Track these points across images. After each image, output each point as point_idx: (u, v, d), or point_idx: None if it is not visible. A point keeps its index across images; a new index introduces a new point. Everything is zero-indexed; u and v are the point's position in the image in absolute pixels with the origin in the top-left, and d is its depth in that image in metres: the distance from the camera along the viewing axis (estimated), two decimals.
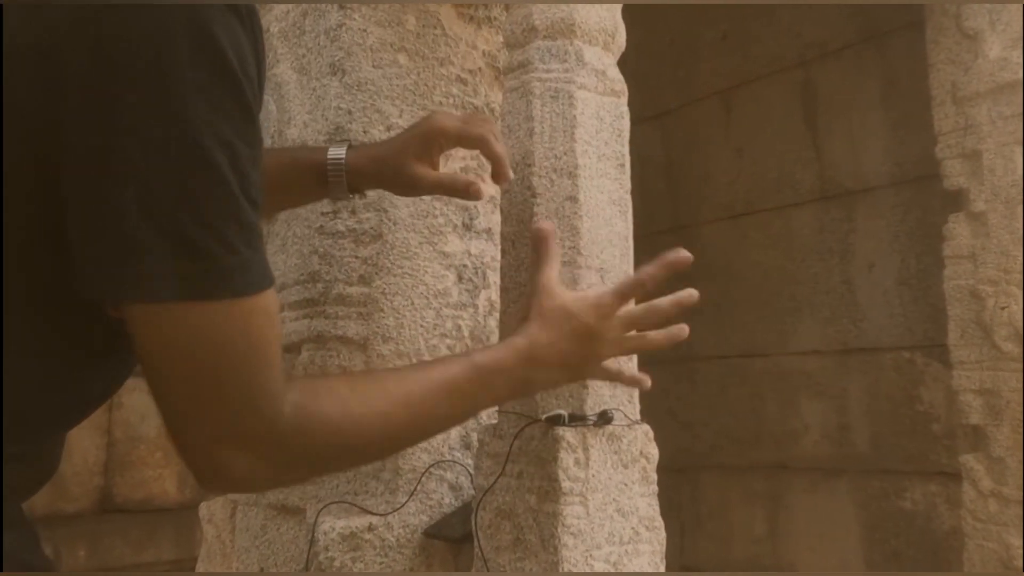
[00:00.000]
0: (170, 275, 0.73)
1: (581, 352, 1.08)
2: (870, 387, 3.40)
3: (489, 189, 1.46)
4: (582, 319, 1.08)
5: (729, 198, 3.95)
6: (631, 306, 1.13)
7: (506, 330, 1.19)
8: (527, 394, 1.15)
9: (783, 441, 3.65)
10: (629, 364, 1.23)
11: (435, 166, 1.20)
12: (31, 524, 0.85)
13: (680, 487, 3.86)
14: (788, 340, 3.68)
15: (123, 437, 3.51)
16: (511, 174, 1.17)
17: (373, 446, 0.94)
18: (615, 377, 1.17)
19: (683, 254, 1.14)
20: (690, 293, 1.15)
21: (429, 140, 1.19)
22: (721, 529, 3.81)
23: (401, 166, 1.19)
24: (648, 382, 1.18)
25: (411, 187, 1.22)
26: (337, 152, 1.21)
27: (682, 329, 1.15)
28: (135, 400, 3.49)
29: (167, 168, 0.72)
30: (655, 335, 1.14)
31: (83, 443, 3.37)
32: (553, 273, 1.10)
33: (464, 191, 1.20)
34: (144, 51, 0.71)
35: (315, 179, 1.22)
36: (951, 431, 2.98)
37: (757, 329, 3.79)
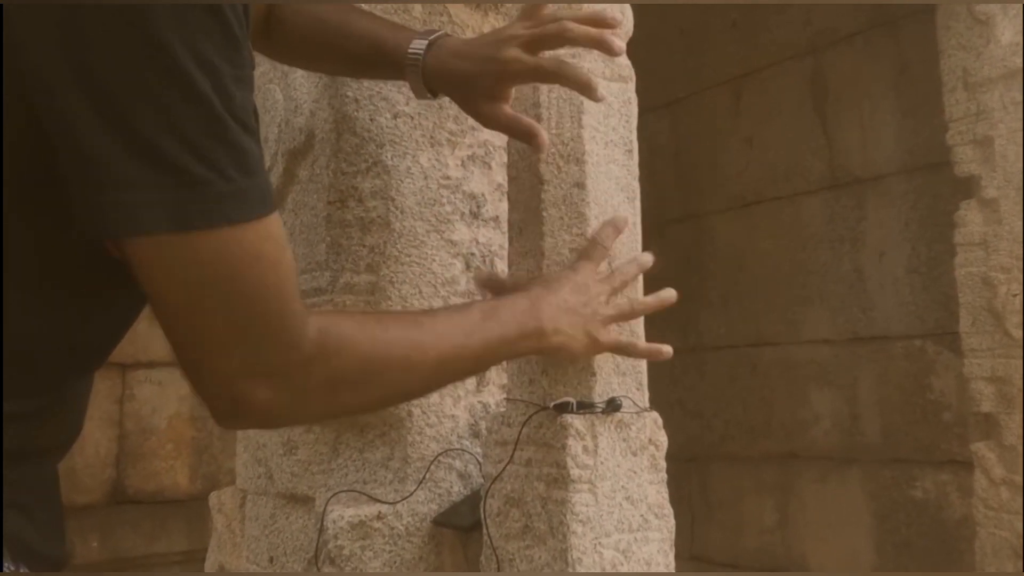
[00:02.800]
0: (160, 205, 0.71)
1: (578, 300, 1.11)
2: (881, 376, 3.39)
3: (496, 177, 1.46)
4: (566, 276, 1.13)
5: (739, 187, 3.94)
6: None
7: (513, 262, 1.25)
8: (543, 341, 1.09)
9: (793, 431, 3.64)
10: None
11: (507, 99, 1.18)
12: (60, 508, 0.84)
13: (690, 477, 3.86)
14: (798, 329, 3.67)
15: (134, 429, 3.53)
16: (599, 88, 1.13)
17: (395, 371, 0.93)
18: (630, 349, 1.19)
19: (647, 256, 1.21)
20: (670, 292, 1.20)
21: (500, 83, 1.16)
22: (731, 519, 3.81)
23: (471, 99, 1.18)
24: (668, 350, 1.19)
25: (477, 117, 1.21)
26: (418, 47, 1.18)
27: (670, 292, 1.19)
28: (146, 392, 3.51)
29: (146, 94, 0.70)
30: (647, 299, 1.20)
31: (95, 435, 3.38)
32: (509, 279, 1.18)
33: (526, 137, 1.17)
34: None
35: (396, 69, 1.20)
36: (962, 419, 2.96)
37: (767, 318, 3.78)
